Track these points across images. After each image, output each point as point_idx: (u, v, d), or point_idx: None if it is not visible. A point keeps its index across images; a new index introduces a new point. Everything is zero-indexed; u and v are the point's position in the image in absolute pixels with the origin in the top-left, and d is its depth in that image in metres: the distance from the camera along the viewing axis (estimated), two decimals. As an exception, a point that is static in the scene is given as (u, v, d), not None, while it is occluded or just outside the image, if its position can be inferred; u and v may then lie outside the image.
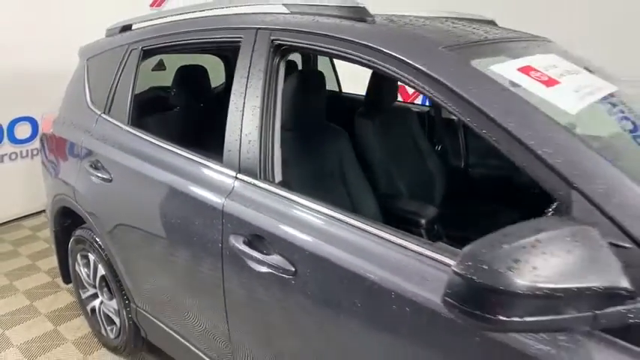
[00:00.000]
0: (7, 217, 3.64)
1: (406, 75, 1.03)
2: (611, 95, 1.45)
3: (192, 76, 2.17)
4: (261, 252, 1.20)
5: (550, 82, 1.04)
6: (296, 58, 2.90)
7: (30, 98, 3.37)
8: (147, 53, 1.83)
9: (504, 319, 0.63)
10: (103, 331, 2.20)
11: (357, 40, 1.12)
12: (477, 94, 0.92)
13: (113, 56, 1.96)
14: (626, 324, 0.71)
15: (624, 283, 0.67)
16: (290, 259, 1.14)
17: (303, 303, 1.14)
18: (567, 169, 0.80)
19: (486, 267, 0.63)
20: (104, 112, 1.93)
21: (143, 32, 1.90)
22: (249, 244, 1.22)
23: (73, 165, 2.00)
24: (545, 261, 0.64)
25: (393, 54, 1.04)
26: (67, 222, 2.23)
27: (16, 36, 3.23)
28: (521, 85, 0.99)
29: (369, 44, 1.09)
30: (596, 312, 0.68)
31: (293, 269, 1.13)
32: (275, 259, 1.16)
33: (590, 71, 1.30)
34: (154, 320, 1.80)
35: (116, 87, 1.90)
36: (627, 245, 0.74)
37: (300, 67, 2.90)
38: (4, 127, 3.49)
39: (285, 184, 1.32)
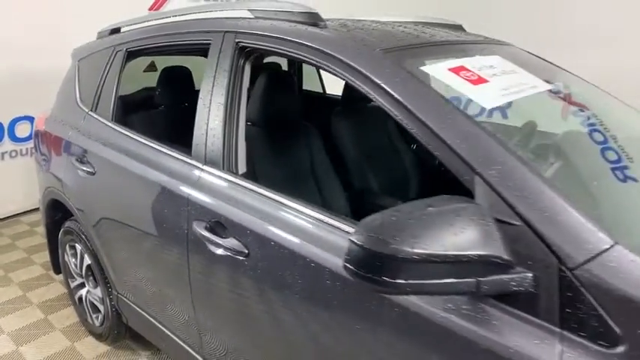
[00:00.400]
0: (6, 212, 3.80)
1: (346, 74, 1.15)
2: (585, 107, 1.59)
3: (175, 77, 2.31)
4: (220, 236, 1.31)
5: (478, 81, 1.15)
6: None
7: (30, 98, 3.52)
8: (131, 55, 1.97)
9: (390, 281, 0.74)
10: (89, 319, 2.33)
11: (306, 43, 1.24)
12: (402, 90, 1.03)
13: (101, 57, 2.10)
14: (510, 291, 0.81)
15: (501, 253, 0.77)
16: (244, 242, 1.26)
17: (255, 282, 1.25)
18: (471, 156, 0.91)
19: (376, 236, 0.74)
20: (91, 110, 2.06)
21: (128, 35, 2.04)
22: (210, 229, 1.34)
23: (62, 159, 2.14)
24: (427, 232, 0.75)
25: (335, 55, 1.16)
26: (58, 215, 2.37)
27: (19, 39, 3.40)
28: (448, 83, 1.10)
29: (316, 46, 1.21)
30: (479, 279, 0.78)
31: (246, 251, 1.25)
32: (231, 242, 1.28)
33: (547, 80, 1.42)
34: (134, 306, 1.92)
35: (102, 86, 2.04)
36: (516, 223, 0.84)
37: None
38: (5, 126, 3.66)
39: (249, 175, 1.44)
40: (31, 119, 3.72)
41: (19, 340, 2.35)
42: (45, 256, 3.07)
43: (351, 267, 0.77)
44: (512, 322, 0.84)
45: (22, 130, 3.73)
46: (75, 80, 2.25)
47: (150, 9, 4.43)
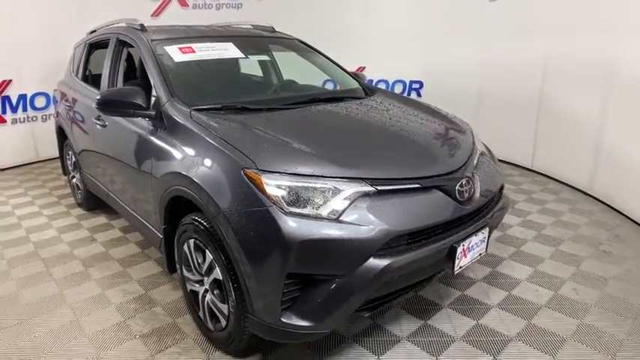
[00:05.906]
0: (50, 155, 6.22)
1: (139, 52, 3.12)
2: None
3: None
4: (100, 120, 3.36)
5: (187, 52, 3.06)
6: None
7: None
8: (90, 46, 4.12)
9: (108, 109, 2.70)
10: (77, 197, 4.52)
11: (132, 37, 3.23)
12: (147, 58, 2.98)
13: (81, 47, 4.28)
14: (149, 116, 2.74)
15: (140, 102, 2.70)
16: (105, 121, 3.29)
17: (109, 138, 3.28)
18: (152, 74, 2.84)
19: (104, 93, 2.70)
20: (75, 75, 4.24)
21: (93, 34, 4.18)
22: (97, 118, 3.40)
23: (62, 103, 4.34)
24: (119, 93, 2.69)
25: (137, 42, 3.14)
26: (63, 138, 4.58)
27: (59, 41, 5.77)
28: (169, 54, 3.03)
29: (134, 39, 3.19)
30: (135, 110, 2.72)
31: (106, 124, 3.28)
32: (101, 122, 3.32)
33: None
34: (88, 176, 4.04)
35: (80, 62, 4.20)
36: (155, 96, 2.77)
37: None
38: (51, 96, 6.07)
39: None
40: (67, 91, 6.09)
41: (42, 207, 4.60)
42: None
43: (97, 106, 2.74)
44: (150, 126, 2.76)
45: (62, 98, 6.10)
46: (72, 60, 4.46)
47: (152, 15, 6.69)
